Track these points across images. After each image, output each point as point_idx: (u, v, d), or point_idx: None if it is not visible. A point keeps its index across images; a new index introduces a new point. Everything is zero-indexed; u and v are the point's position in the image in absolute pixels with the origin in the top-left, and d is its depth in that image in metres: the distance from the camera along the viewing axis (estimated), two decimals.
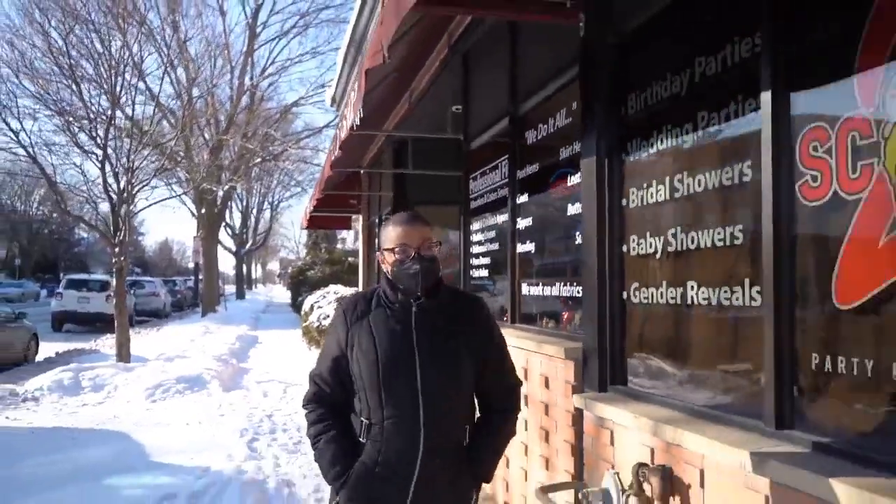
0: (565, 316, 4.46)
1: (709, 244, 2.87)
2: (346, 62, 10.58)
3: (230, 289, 47.39)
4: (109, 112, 10.94)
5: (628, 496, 2.89)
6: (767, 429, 2.46)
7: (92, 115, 10.95)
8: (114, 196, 11.08)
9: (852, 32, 2.16)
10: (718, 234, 2.81)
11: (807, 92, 2.38)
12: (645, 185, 3.35)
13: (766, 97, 2.49)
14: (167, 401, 9.32)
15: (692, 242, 2.98)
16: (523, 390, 2.89)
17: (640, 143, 3.41)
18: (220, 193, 22.63)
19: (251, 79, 22.40)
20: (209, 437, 7.20)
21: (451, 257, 6.89)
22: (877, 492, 1.86)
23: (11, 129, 11.32)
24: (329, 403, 2.27)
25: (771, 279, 2.45)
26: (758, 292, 2.56)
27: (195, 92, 17.82)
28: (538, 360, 4.16)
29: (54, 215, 65.45)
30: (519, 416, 2.46)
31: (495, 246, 5.70)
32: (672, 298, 3.13)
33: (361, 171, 12.10)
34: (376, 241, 10.25)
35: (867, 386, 2.10)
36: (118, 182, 11.07)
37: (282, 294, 51.86)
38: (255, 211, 43.91)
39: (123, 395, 9.55)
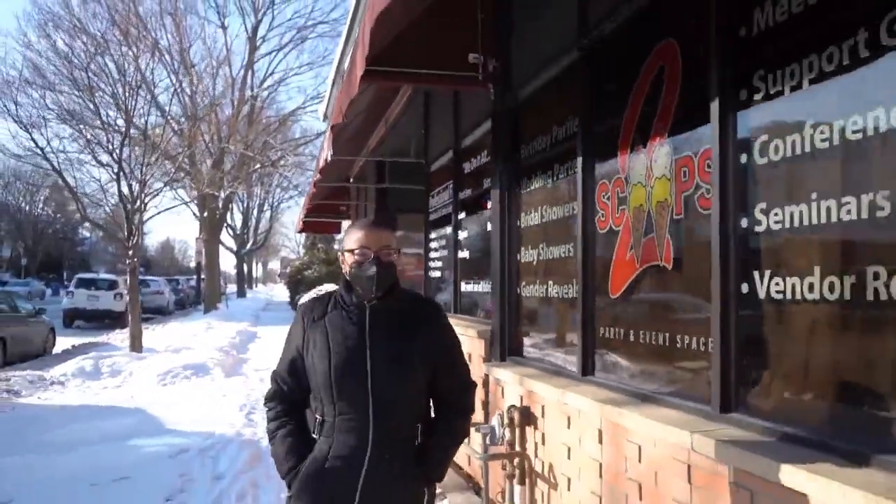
0: (490, 306, 5.81)
1: (558, 255, 4.22)
2: (335, 86, 11.91)
3: (231, 288, 48.78)
4: (124, 129, 12.30)
5: (504, 427, 4.24)
6: (579, 376, 3.80)
7: (110, 136, 12.31)
8: (128, 205, 12.47)
9: (616, 128, 3.50)
10: (562, 249, 4.16)
11: (599, 161, 3.73)
12: (529, 212, 4.69)
13: (579, 161, 3.84)
14: (176, 385, 10.67)
15: (551, 254, 4.33)
16: None
17: (526, 182, 4.76)
18: (222, 197, 23.95)
19: (251, 89, 23.82)
20: (213, 412, 8.53)
21: (419, 259, 8.24)
22: (658, 419, 3.20)
23: (39, 147, 12.69)
24: (287, 402, 2.33)
25: (580, 279, 3.80)
26: (564, 283, 3.92)
27: (200, 102, 19.16)
28: (465, 341, 5.50)
29: (58, 216, 66.90)
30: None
31: (445, 252, 7.06)
32: (543, 293, 4.48)
33: (350, 182, 13.45)
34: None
35: (634, 347, 3.45)
36: (132, 192, 12.45)
37: (282, 293, 53.14)
38: (255, 212, 45.18)
39: (138, 379, 10.91)
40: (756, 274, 2.48)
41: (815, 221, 2.23)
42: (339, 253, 2.39)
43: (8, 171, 59.36)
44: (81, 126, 12.73)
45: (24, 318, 14.99)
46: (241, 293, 47.06)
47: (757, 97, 2.50)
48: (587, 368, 3.77)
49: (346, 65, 9.66)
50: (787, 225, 2.34)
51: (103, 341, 17.08)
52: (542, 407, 3.96)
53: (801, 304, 2.30)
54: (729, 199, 2.59)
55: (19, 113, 12.76)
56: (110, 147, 12.35)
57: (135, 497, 5.39)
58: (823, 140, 2.20)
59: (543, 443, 3.94)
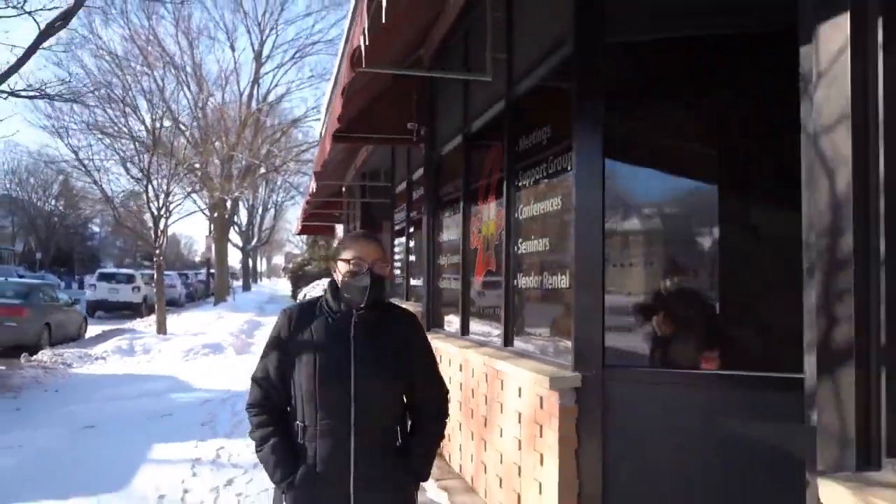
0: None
1: (455, 261, 6.65)
2: (328, 112, 14.34)
3: (236, 283, 51.26)
4: (151, 149, 14.78)
5: None
6: (459, 335, 6.23)
7: (140, 154, 14.82)
8: (155, 212, 14.95)
9: (479, 187, 5.92)
10: (456, 257, 6.59)
11: (472, 205, 6.15)
12: (443, 232, 7.12)
13: (462, 204, 6.26)
14: (197, 360, 13.13)
15: (451, 260, 6.76)
16: None
17: (441, 212, 7.18)
18: (230, 199, 26.41)
19: (257, 102, 26.29)
20: (229, 378, 10.98)
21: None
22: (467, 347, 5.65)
23: (81, 162, 15.21)
24: (271, 407, 2.37)
25: (462, 276, 6.23)
26: (456, 279, 6.36)
27: (211, 115, 21.60)
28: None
29: (68, 211, 69.33)
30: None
31: (401, 255, 9.51)
32: (448, 285, 6.91)
33: (343, 191, 15.89)
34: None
35: (483, 315, 5.87)
36: (158, 201, 14.95)
37: (286, 287, 55.68)
38: (259, 210, 47.53)
39: (165, 355, 13.38)
40: (518, 275, 4.92)
41: (533, 251, 4.66)
42: (332, 261, 2.47)
43: (21, 168, 61.82)
44: (116, 142, 15.23)
45: (63, 307, 17.44)
46: (246, 287, 49.55)
47: (520, 184, 4.92)
48: (465, 330, 6.21)
49: (329, 115, 12.12)
50: (525, 251, 4.78)
51: (129, 328, 19.56)
52: (442, 354, 6.39)
53: (530, 290, 4.74)
54: (511, 235, 5.01)
55: (67, 131, 15.24)
56: (140, 163, 14.86)
57: (180, 424, 7.82)
58: (535, 211, 4.62)
59: None
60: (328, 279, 2.49)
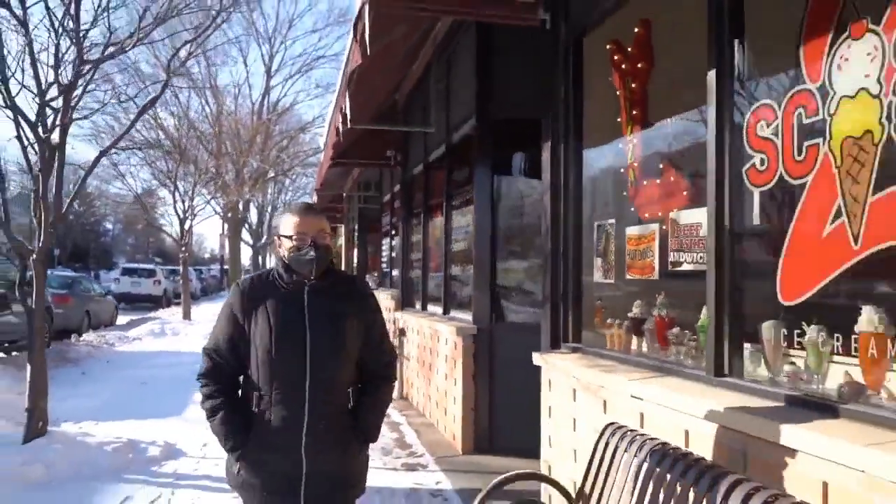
0: (397, 282, 10.55)
1: (417, 258, 8.93)
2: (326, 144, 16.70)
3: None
4: (177, 160, 17.20)
5: (396, 337, 8.98)
6: (421, 311, 8.53)
7: (170, 168, 17.24)
8: (181, 215, 17.33)
9: (437, 205, 8.23)
10: (418, 255, 8.87)
11: (430, 221, 8.46)
12: (413, 235, 9.41)
13: (423, 218, 8.56)
14: None
15: (415, 257, 9.06)
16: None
17: (412, 220, 9.48)
18: (243, 201, 28.79)
19: (268, 111, 28.67)
20: None
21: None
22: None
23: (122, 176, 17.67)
24: (223, 377, 2.44)
25: (423, 271, 8.54)
26: (419, 270, 8.67)
27: (225, 124, 23.98)
28: (391, 302, 10.24)
29: (82, 209, 72.31)
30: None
31: (386, 252, 11.81)
32: (418, 275, 9.20)
33: (344, 197, 18.22)
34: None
35: (437, 293, 8.18)
36: (183, 204, 17.34)
37: None
38: (269, 210, 49.89)
39: (191, 337, 15.73)
40: (452, 266, 7.21)
41: (458, 250, 6.95)
42: (275, 237, 2.51)
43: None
44: (150, 159, 17.69)
45: (98, 297, 19.83)
46: None
47: (453, 203, 7.19)
48: (423, 306, 8.49)
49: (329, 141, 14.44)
50: (455, 250, 7.07)
51: (156, 316, 21.98)
52: (409, 326, 8.68)
53: (457, 276, 7.04)
54: (448, 239, 7.28)
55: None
56: (169, 173, 17.28)
57: None
58: (459, 223, 6.91)
59: (407, 340, 8.67)
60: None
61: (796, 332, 2.38)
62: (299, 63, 33.16)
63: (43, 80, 5.67)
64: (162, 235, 35.64)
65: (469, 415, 5.98)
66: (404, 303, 9.60)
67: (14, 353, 12.15)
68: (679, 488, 2.27)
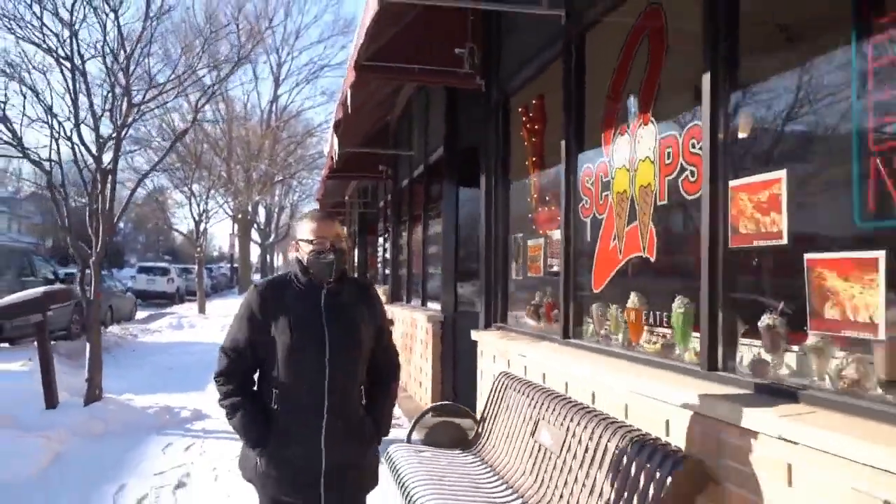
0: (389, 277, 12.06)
1: (405, 257, 10.44)
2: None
3: (256, 276, 55.47)
4: (193, 168, 18.79)
5: None
6: (404, 303, 10.03)
7: (187, 174, 18.87)
8: (196, 218, 18.97)
9: (416, 216, 9.72)
10: (403, 256, 10.37)
11: (411, 229, 9.96)
12: (401, 239, 10.92)
13: (408, 224, 10.06)
14: None
15: (404, 256, 10.56)
16: None
17: (400, 226, 10.98)
18: (252, 203, 30.40)
19: (276, 118, 30.32)
20: None
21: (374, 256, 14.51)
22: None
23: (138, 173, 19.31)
24: (240, 376, 2.56)
25: (407, 264, 10.05)
26: (405, 268, 10.18)
27: (235, 130, 25.57)
28: (383, 294, 11.76)
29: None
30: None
31: (380, 252, 13.32)
32: (405, 273, 10.71)
33: (346, 200, 19.74)
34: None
35: (417, 288, 9.68)
36: (199, 210, 18.96)
37: None
38: (277, 210, 51.54)
39: (205, 330, 17.29)
40: (428, 266, 8.71)
41: (433, 252, 8.45)
42: (294, 241, 2.65)
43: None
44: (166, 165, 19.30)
45: (119, 294, 21.43)
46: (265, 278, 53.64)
47: (429, 213, 8.68)
48: (408, 299, 10.00)
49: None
50: (431, 252, 8.57)
51: (172, 311, 23.58)
52: (396, 317, 10.17)
53: (434, 274, 8.54)
54: (425, 243, 8.78)
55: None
56: (186, 179, 18.89)
57: None
58: (434, 230, 8.41)
59: (394, 328, 10.16)
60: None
61: (617, 307, 3.87)
62: (305, 72, 34.86)
63: (98, 115, 7.21)
64: (173, 234, 37.36)
65: (437, 386, 7.47)
66: (393, 297, 11.11)
67: (52, 343, 13.74)
68: (535, 405, 3.77)
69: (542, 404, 3.63)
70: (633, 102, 3.56)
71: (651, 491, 2.44)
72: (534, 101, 5.01)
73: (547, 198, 4.83)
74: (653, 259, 3.36)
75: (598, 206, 3.92)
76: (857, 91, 2.13)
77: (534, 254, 4.98)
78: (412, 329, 8.69)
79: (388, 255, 12.56)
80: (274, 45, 33.30)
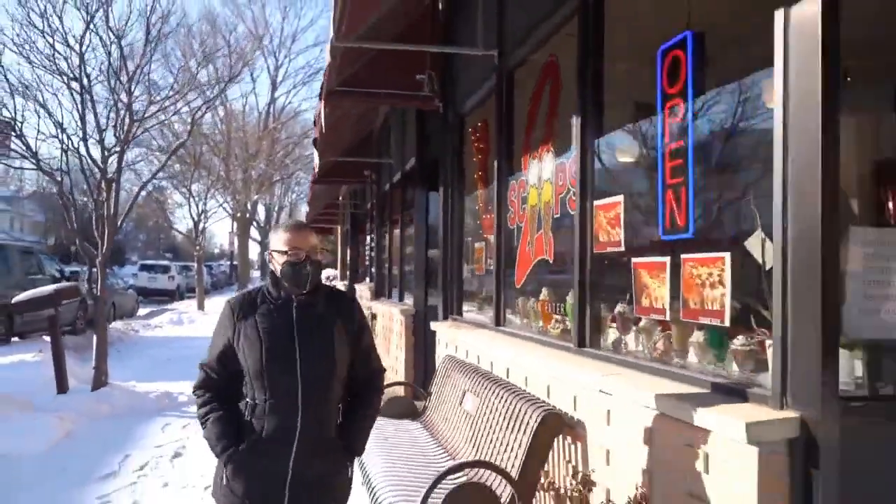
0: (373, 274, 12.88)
1: (385, 256, 11.26)
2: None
3: (255, 273, 56.35)
4: (192, 169, 19.64)
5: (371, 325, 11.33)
6: (374, 299, 10.86)
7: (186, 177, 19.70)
8: (195, 218, 19.80)
9: (391, 220, 10.55)
10: (386, 254, 11.20)
11: (381, 233, 10.79)
12: (384, 240, 11.74)
13: (387, 229, 10.89)
14: None
15: (385, 255, 11.38)
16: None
17: (383, 228, 11.81)
18: (251, 201, 31.24)
19: (273, 119, 31.13)
20: None
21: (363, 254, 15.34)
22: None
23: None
24: (215, 388, 2.53)
25: (388, 263, 10.87)
26: (387, 267, 11.01)
27: (235, 133, 26.40)
28: (366, 290, 12.56)
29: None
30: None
31: (368, 250, 14.15)
32: (385, 271, 11.53)
33: (340, 201, 20.56)
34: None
35: (396, 284, 10.51)
36: (198, 210, 19.78)
37: None
38: (276, 208, 52.39)
39: (204, 325, 18.11)
40: (405, 265, 9.52)
41: (408, 253, 9.28)
42: (268, 253, 2.59)
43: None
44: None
45: (122, 291, 22.27)
46: (264, 276, 54.59)
47: (405, 217, 9.49)
48: (389, 295, 10.81)
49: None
50: (406, 253, 9.40)
51: (172, 307, 24.42)
52: (378, 311, 10.98)
53: (410, 272, 9.37)
54: (402, 243, 9.59)
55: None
56: (185, 181, 19.73)
57: None
58: (408, 233, 9.23)
59: (377, 322, 10.99)
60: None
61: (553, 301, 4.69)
62: (302, 74, 35.68)
63: (103, 129, 8.04)
64: (173, 232, 38.15)
65: (410, 371, 8.29)
66: (378, 293, 11.93)
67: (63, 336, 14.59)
68: (466, 380, 4.58)
69: (470, 379, 4.45)
70: (540, 131, 4.38)
71: (525, 437, 3.26)
72: (479, 124, 5.82)
73: (489, 207, 5.65)
74: (551, 261, 4.18)
75: (519, 216, 4.74)
76: (661, 141, 2.94)
77: (479, 255, 5.80)
78: (390, 322, 9.51)
79: (373, 254, 13.39)
80: (272, 48, 34.16)
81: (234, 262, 36.46)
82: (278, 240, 2.53)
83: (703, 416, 2.18)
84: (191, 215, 20.15)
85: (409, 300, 9.10)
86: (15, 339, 13.09)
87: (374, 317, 11.06)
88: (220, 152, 23.06)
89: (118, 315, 20.86)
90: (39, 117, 7.92)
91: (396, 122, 9.80)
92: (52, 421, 6.89)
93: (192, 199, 19.78)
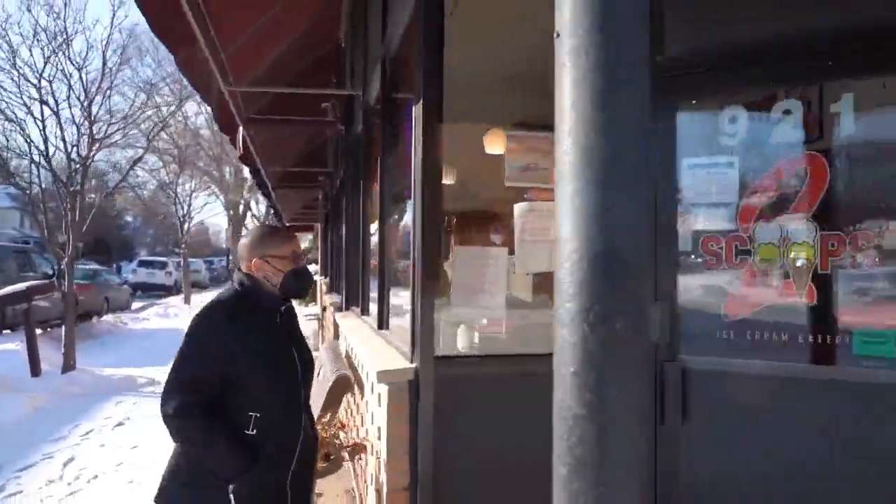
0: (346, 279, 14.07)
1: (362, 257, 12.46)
2: None
3: None
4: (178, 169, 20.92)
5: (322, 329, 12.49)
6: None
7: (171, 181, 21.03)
8: (180, 218, 21.05)
9: (361, 213, 11.74)
10: (355, 250, 12.39)
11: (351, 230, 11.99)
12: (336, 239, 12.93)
13: (347, 227, 12.08)
14: None
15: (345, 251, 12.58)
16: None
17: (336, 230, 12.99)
18: (243, 199, 32.55)
19: None
20: None
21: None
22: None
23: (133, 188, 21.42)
24: (208, 407, 2.29)
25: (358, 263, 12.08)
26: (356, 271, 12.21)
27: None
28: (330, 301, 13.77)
29: (101, 203, 77.28)
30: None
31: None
32: (337, 266, 12.74)
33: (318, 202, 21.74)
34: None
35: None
36: (183, 208, 21.05)
37: None
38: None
39: (188, 319, 19.39)
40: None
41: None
42: (259, 259, 2.42)
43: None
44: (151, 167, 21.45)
45: (116, 286, 23.61)
46: None
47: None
48: (332, 290, 12.02)
49: None
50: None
51: (162, 302, 25.75)
52: (326, 303, 12.16)
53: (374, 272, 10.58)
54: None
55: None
56: (171, 182, 21.06)
57: None
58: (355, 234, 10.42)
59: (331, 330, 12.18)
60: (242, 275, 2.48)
61: None
62: None
63: (69, 147, 9.28)
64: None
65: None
66: (331, 287, 13.11)
67: (48, 329, 15.90)
68: (330, 358, 5.77)
69: (329, 357, 5.63)
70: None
71: (325, 393, 4.45)
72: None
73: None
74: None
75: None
76: None
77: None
78: (332, 314, 10.71)
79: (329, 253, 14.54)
80: None
81: (231, 258, 37.87)
82: (277, 245, 2.47)
83: (372, 370, 3.37)
84: (176, 216, 21.40)
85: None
86: (6, 331, 14.39)
87: (324, 308, 12.26)
88: (212, 150, 24.30)
89: (112, 309, 22.20)
90: (7, 138, 9.14)
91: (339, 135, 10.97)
92: (22, 399, 8.14)
93: (177, 200, 21.05)
